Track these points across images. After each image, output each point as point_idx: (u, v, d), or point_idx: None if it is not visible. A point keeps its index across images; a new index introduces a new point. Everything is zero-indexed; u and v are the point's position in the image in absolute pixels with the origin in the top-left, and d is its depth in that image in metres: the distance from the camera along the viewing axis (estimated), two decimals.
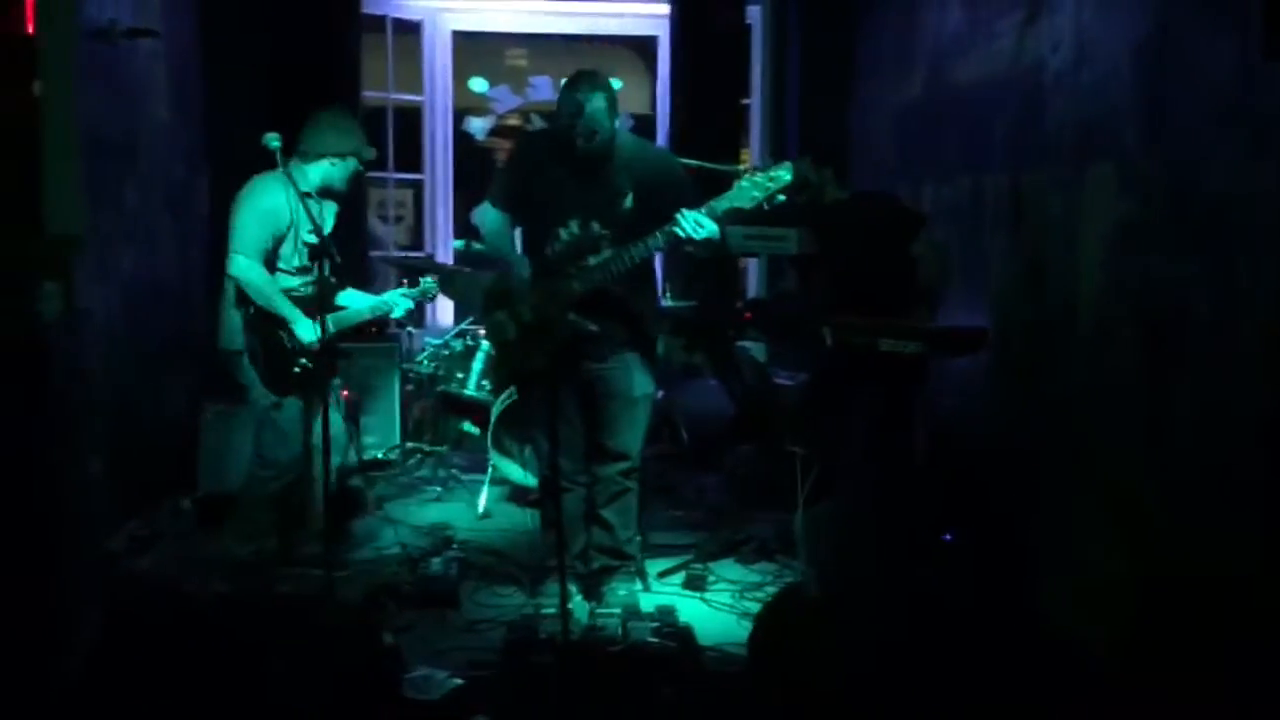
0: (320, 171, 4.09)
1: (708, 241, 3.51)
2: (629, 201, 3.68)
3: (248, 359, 3.97)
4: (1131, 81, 3.15)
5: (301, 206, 3.90)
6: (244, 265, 3.91)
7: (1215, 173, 2.76)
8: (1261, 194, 2.58)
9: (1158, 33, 3.02)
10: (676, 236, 3.49)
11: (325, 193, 4.15)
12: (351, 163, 4.14)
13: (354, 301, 4.28)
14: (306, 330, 3.97)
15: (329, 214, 4.18)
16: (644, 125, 7.78)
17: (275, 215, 3.97)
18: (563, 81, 3.70)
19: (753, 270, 6.96)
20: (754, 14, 6.62)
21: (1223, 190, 2.73)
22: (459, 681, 3.24)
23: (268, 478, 4.09)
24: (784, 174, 3.47)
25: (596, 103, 3.56)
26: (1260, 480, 2.59)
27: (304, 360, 3.94)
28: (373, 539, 4.67)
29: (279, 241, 4.01)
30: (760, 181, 3.48)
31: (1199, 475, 2.81)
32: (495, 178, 4.00)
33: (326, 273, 3.70)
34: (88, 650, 2.79)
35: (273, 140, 3.75)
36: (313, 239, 3.82)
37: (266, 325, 3.94)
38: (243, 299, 3.94)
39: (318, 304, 3.77)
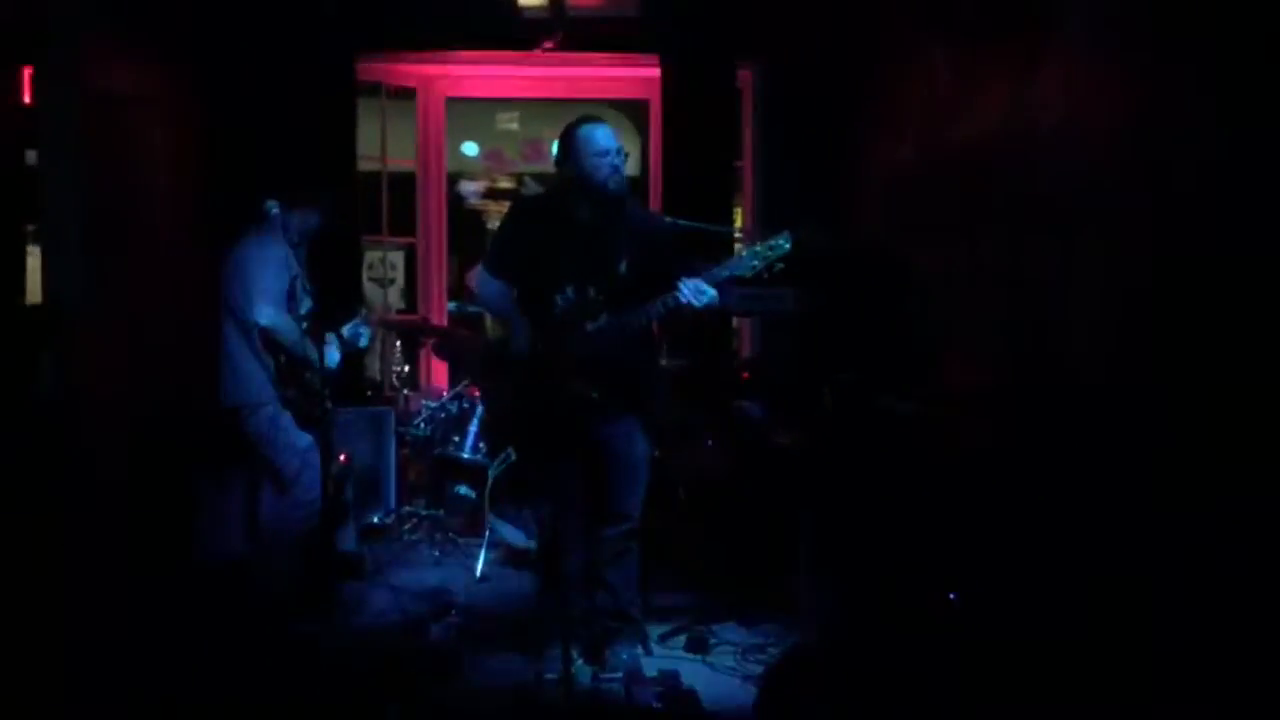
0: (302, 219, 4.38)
1: (708, 306, 3.56)
2: (624, 267, 3.71)
3: (276, 407, 4.12)
4: (1122, 144, 3.20)
5: (293, 257, 4.09)
6: (272, 314, 4.06)
7: (1207, 237, 2.80)
8: (1248, 260, 2.61)
9: (1147, 97, 3.08)
10: (678, 304, 3.53)
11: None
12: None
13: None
14: (333, 356, 4.27)
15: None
16: (636, 187, 7.84)
17: (285, 265, 4.12)
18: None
19: (748, 329, 6.98)
20: (745, 77, 6.72)
21: (1214, 255, 2.76)
22: None
23: (301, 519, 4.20)
24: (783, 243, 3.53)
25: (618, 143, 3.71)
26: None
27: (327, 397, 4.06)
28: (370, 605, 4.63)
29: (290, 291, 4.12)
30: (760, 251, 3.55)
31: (1211, 544, 2.82)
32: (491, 244, 4.03)
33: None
34: None
35: (273, 206, 3.86)
36: (308, 286, 4.02)
37: (296, 370, 4.11)
38: (271, 348, 4.05)
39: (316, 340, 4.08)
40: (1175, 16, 2.94)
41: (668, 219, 4.06)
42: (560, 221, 3.73)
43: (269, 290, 4.11)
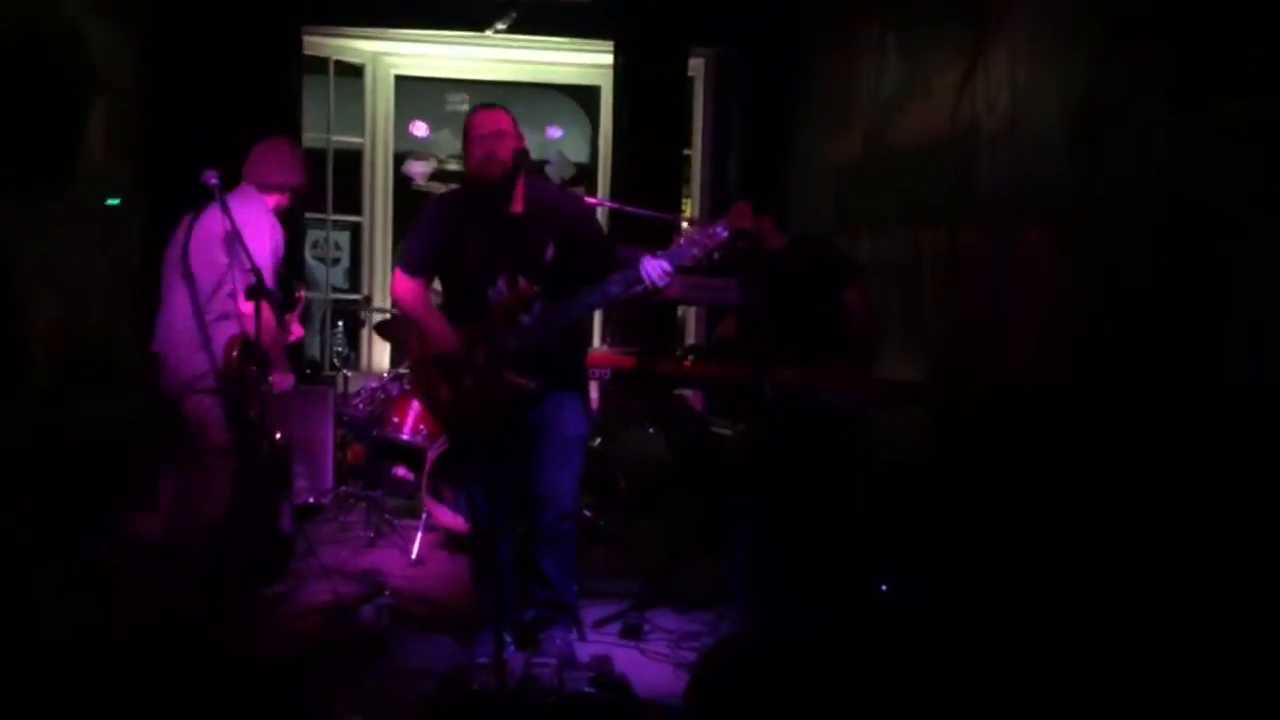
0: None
1: (652, 291, 3.53)
2: (550, 252, 3.66)
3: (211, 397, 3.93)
4: (1064, 143, 3.22)
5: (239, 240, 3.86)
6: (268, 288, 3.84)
7: (1145, 238, 2.83)
8: (1190, 259, 2.64)
9: (1090, 94, 3.10)
10: (640, 283, 3.49)
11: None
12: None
13: None
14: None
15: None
16: (586, 174, 7.81)
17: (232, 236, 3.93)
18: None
19: (692, 317, 6.99)
20: (696, 65, 6.71)
21: (1153, 256, 2.79)
22: None
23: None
24: (720, 231, 3.52)
25: None
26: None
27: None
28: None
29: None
30: (698, 239, 3.53)
31: (1137, 538, 2.86)
32: (406, 246, 3.90)
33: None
34: None
35: (210, 177, 3.73)
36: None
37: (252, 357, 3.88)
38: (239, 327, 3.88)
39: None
40: (1118, 15, 2.97)
41: (600, 201, 4.04)
42: (480, 214, 3.65)
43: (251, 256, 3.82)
